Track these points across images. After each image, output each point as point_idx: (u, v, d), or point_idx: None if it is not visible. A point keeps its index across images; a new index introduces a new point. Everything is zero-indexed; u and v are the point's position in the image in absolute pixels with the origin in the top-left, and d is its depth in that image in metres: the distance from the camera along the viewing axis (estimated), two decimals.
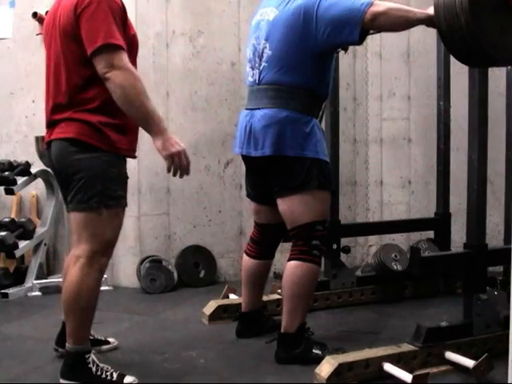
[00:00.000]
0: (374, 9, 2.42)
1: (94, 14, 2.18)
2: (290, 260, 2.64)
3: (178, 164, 2.25)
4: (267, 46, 2.61)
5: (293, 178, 2.58)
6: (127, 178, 2.40)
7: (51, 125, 2.37)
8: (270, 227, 2.88)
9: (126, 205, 2.39)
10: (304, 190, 2.58)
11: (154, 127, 2.22)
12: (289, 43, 2.55)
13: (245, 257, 2.97)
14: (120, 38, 2.20)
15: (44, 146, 2.47)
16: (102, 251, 2.31)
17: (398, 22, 2.48)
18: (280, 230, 2.82)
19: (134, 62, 2.43)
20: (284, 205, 2.63)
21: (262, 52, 2.63)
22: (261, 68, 2.64)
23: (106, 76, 2.17)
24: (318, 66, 2.60)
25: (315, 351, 2.60)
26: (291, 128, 2.55)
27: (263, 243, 2.93)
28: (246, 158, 2.75)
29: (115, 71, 2.16)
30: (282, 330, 2.64)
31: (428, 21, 2.40)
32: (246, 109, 2.73)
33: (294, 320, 2.61)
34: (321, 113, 2.71)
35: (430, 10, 2.34)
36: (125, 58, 2.19)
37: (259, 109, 2.63)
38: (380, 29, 2.61)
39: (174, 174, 2.28)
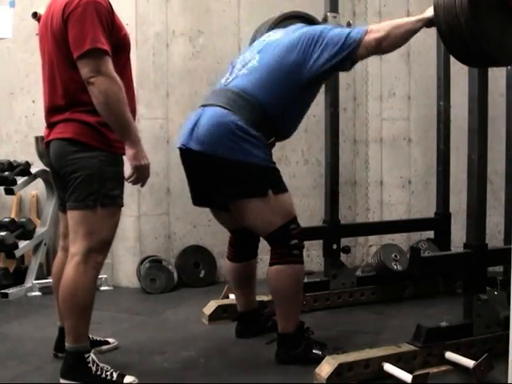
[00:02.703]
0: (373, 36, 2.44)
1: (81, 17, 2.19)
2: (271, 265, 2.58)
3: (142, 176, 2.33)
4: (256, 57, 2.60)
5: (244, 183, 2.51)
6: (124, 177, 2.41)
7: (50, 126, 2.40)
8: (239, 232, 2.84)
9: (122, 204, 2.40)
10: (261, 195, 2.50)
11: (131, 136, 2.26)
12: (279, 63, 2.53)
13: (226, 261, 2.98)
14: (106, 43, 2.22)
15: (43, 146, 2.49)
16: (97, 249, 2.32)
17: (402, 39, 2.50)
18: (251, 232, 2.72)
19: (126, 61, 2.44)
20: (247, 212, 2.54)
21: (249, 62, 2.62)
22: (239, 74, 2.61)
23: (90, 81, 2.18)
24: (293, 98, 2.56)
25: (315, 351, 2.60)
26: (237, 133, 2.46)
27: (240, 246, 2.91)
28: (184, 153, 2.61)
29: (101, 77, 2.18)
30: (280, 331, 2.63)
31: (428, 23, 2.41)
32: (202, 105, 2.65)
33: (289, 322, 2.60)
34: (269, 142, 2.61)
35: (429, 11, 2.35)
36: (110, 64, 2.21)
37: (212, 106, 2.57)
38: (386, 52, 2.61)
39: (133, 183, 2.35)
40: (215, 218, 2.93)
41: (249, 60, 2.62)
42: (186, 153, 2.60)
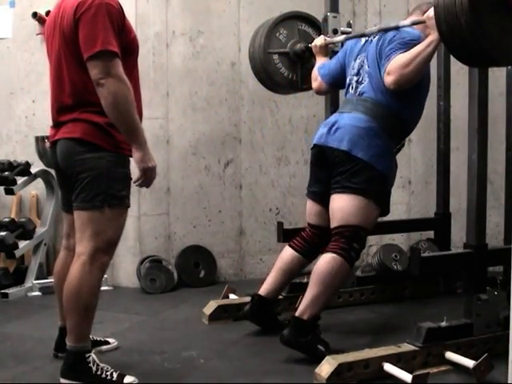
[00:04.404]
0: (390, 79, 2.60)
1: (92, 18, 2.20)
2: (328, 252, 2.67)
3: (149, 178, 2.34)
4: (365, 62, 2.80)
5: (358, 181, 2.65)
6: (131, 178, 2.41)
7: (57, 125, 2.40)
8: (320, 230, 2.93)
9: (129, 205, 2.41)
10: (364, 195, 2.65)
11: (138, 139, 2.27)
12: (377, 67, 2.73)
13: (287, 248, 3.02)
14: (116, 45, 2.23)
15: (49, 146, 2.50)
16: (104, 249, 2.33)
17: (415, 73, 2.59)
18: (328, 235, 2.84)
19: (134, 64, 2.45)
20: (339, 201, 2.69)
21: (363, 68, 2.80)
22: (365, 83, 2.77)
23: (100, 82, 2.19)
24: (414, 98, 2.76)
25: (320, 347, 2.60)
26: (373, 139, 2.66)
27: (312, 243, 2.97)
28: (320, 150, 2.80)
29: (110, 79, 2.18)
30: (297, 314, 2.64)
31: (438, 43, 2.53)
32: (339, 112, 2.83)
33: (312, 308, 2.62)
34: (398, 146, 2.86)
35: (431, 11, 2.35)
36: (120, 66, 2.23)
37: (351, 112, 2.74)
38: (413, 83, 2.65)
39: (140, 186, 2.38)
40: (310, 212, 2.99)
41: (362, 66, 2.82)
42: (321, 149, 2.80)
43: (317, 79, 3.12)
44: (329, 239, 2.80)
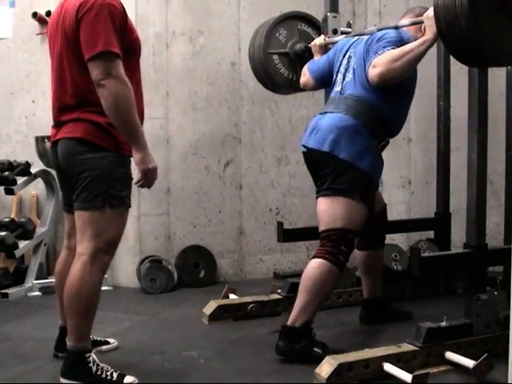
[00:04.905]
0: (375, 72, 2.56)
1: (94, 19, 2.20)
2: (315, 257, 2.66)
3: (150, 179, 2.35)
4: (352, 58, 2.78)
5: (341, 182, 2.64)
6: (132, 178, 2.41)
7: (58, 125, 2.40)
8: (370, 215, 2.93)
9: (130, 205, 2.41)
10: (348, 196, 2.64)
11: (138, 140, 2.27)
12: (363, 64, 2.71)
13: (355, 251, 3.03)
14: (117, 46, 2.23)
15: (50, 145, 2.50)
16: (104, 250, 2.33)
17: (403, 70, 2.57)
18: (373, 221, 2.89)
19: (137, 64, 2.45)
20: (325, 204, 2.69)
21: (349, 64, 2.79)
22: (348, 79, 2.76)
23: (101, 83, 2.19)
24: (399, 96, 2.74)
25: (316, 349, 2.60)
26: (354, 135, 2.64)
27: (367, 233, 2.95)
28: (306, 154, 2.81)
29: (111, 80, 2.18)
30: (289, 323, 2.64)
31: (434, 42, 2.54)
32: (321, 113, 2.81)
33: (304, 315, 2.62)
34: (383, 143, 2.81)
35: (430, 12, 2.35)
36: (121, 68, 2.23)
37: (332, 112, 2.72)
38: (394, 82, 2.62)
39: (142, 187, 2.39)
40: None
41: (349, 63, 2.80)
42: (306, 153, 2.81)
43: (305, 74, 3.12)
44: (378, 219, 2.88)
